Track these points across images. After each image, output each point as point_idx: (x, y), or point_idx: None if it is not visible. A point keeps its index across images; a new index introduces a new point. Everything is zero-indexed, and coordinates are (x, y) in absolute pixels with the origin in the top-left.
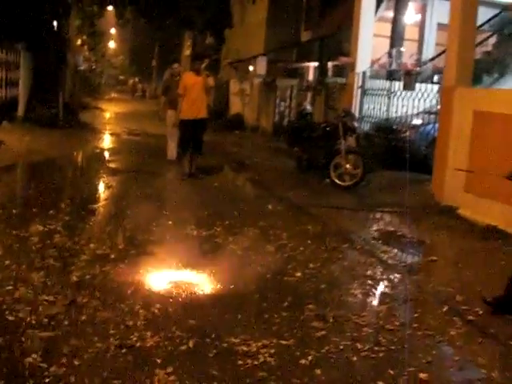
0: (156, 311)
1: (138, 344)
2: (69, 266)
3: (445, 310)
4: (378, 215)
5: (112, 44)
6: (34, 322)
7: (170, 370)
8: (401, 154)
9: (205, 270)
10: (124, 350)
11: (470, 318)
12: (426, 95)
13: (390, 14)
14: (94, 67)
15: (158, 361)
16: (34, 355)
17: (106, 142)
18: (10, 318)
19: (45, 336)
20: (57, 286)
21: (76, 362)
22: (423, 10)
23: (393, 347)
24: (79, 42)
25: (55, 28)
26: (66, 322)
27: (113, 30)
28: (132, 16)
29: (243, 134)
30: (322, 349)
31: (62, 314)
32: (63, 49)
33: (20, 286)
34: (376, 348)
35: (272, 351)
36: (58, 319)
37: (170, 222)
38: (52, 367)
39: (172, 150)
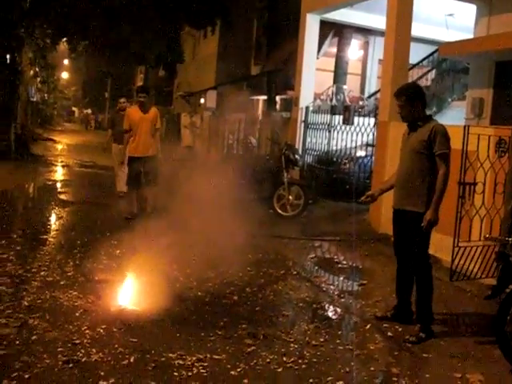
0: (101, 331)
1: (84, 359)
2: (20, 292)
3: (367, 327)
4: (317, 243)
5: (65, 75)
6: None
7: (112, 381)
8: (341, 185)
9: (149, 294)
10: (71, 365)
11: (390, 334)
12: (363, 129)
13: (335, 49)
14: (46, 98)
15: (102, 373)
16: None
17: (58, 173)
18: None
19: None
20: (8, 310)
21: (26, 376)
22: (365, 46)
23: (315, 360)
24: (31, 73)
25: (7, 61)
26: (18, 342)
27: (66, 61)
28: (84, 50)
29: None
30: (251, 362)
31: (14, 334)
32: (15, 81)
33: None
34: (300, 361)
35: (205, 364)
36: (10, 339)
37: (118, 251)
38: (4, 381)
39: (121, 182)
